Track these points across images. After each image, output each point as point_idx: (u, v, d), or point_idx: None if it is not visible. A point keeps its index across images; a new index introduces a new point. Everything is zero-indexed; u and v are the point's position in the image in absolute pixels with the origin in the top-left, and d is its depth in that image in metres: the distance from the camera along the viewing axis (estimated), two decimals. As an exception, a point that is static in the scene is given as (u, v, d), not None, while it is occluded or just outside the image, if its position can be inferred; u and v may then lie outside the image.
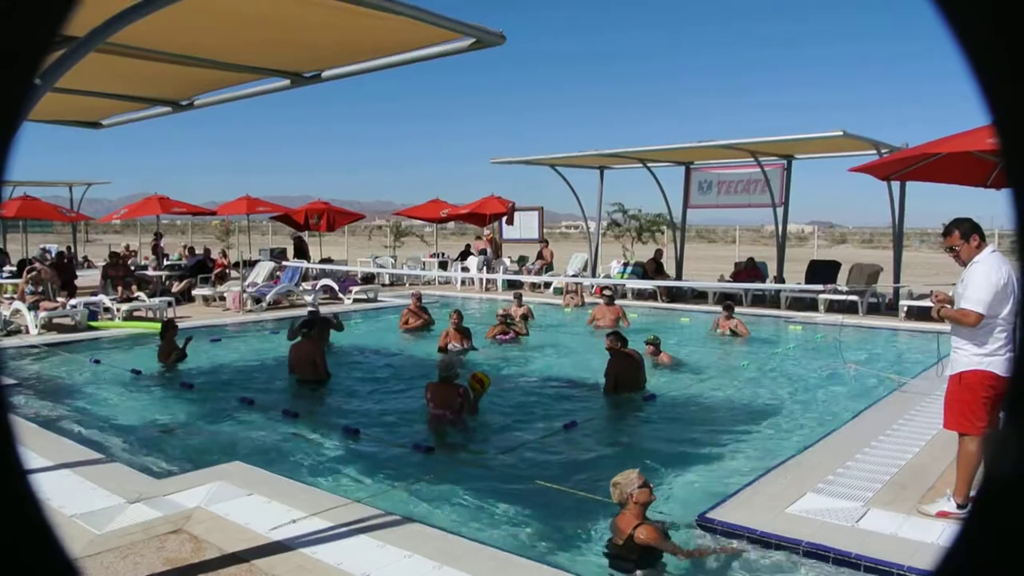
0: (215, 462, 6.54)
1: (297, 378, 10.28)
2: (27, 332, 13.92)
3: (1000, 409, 5.09)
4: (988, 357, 5.07)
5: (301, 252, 25.13)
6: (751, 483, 5.92)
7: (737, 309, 16.97)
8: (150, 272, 21.52)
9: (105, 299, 15.96)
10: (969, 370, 5.14)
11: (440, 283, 24.03)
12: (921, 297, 15.71)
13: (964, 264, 5.22)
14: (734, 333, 14.01)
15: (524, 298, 16.28)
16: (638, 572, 4.60)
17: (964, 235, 5.17)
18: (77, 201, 29.23)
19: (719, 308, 14.91)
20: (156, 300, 16.64)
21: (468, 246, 26.38)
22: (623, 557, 4.65)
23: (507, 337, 13.31)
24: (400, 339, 14.24)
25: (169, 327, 11.67)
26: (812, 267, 18.90)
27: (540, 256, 23.84)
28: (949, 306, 5.34)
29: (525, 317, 14.70)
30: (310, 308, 12.84)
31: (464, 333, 12.47)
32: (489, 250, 24.34)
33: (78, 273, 20.47)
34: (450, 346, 12.13)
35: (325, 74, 6.41)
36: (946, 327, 5.62)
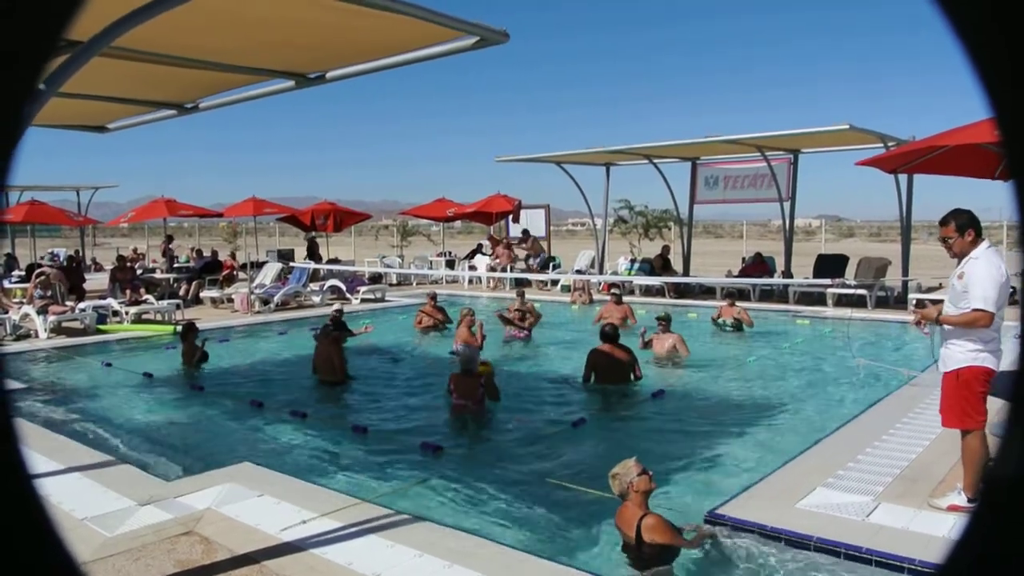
0: (225, 463, 6.55)
1: (319, 379, 10.39)
2: (36, 336, 13.98)
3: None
4: (983, 353, 5.08)
5: (311, 254, 25.10)
6: (761, 479, 5.91)
7: (745, 304, 16.94)
8: (158, 275, 21.58)
9: (113, 302, 16.02)
10: (966, 366, 5.13)
11: (448, 282, 24.04)
12: (930, 290, 15.67)
13: (956, 256, 5.21)
14: (737, 324, 13.96)
15: (528, 295, 16.25)
16: (651, 569, 4.59)
17: (959, 228, 5.15)
18: (84, 205, 29.35)
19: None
20: (164, 303, 16.69)
21: (480, 245, 26.32)
22: (636, 555, 4.64)
23: (522, 335, 13.35)
24: (411, 338, 14.22)
25: (190, 329, 11.72)
26: (820, 261, 18.86)
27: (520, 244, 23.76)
28: (930, 307, 5.39)
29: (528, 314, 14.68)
30: (335, 310, 12.75)
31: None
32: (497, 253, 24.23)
33: (87, 276, 20.54)
34: (458, 348, 12.05)
35: (330, 75, 6.40)
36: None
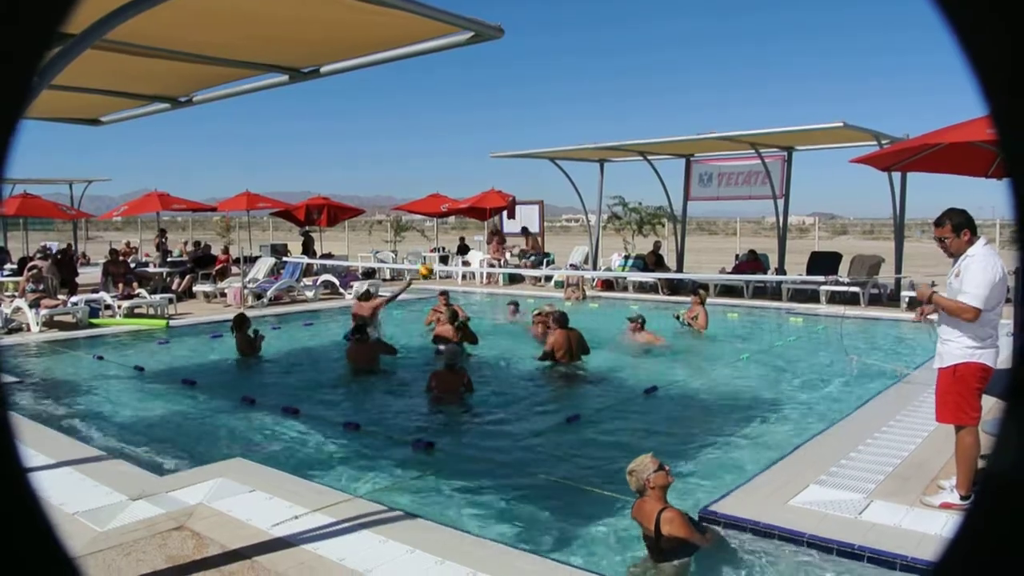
0: (217, 459, 6.54)
1: (354, 368, 10.68)
2: (28, 330, 13.93)
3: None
4: (980, 349, 5.11)
5: (307, 249, 25.01)
6: (754, 476, 5.92)
7: (738, 301, 16.95)
8: (151, 269, 21.51)
9: (106, 296, 15.96)
10: (963, 362, 5.16)
11: (441, 277, 24.03)
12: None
13: (951, 255, 5.25)
14: (693, 322, 13.75)
15: (521, 291, 16.24)
16: (671, 561, 4.59)
17: (955, 228, 5.17)
18: (77, 198, 29.23)
19: (721, 300, 14.83)
20: (157, 297, 16.64)
21: (462, 238, 26.34)
22: (655, 548, 4.62)
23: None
24: (408, 334, 14.11)
25: (243, 320, 11.80)
26: (813, 258, 18.88)
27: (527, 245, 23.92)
28: (924, 287, 5.44)
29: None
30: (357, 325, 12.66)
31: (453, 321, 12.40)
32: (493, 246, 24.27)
33: (79, 270, 20.46)
34: (442, 346, 11.93)
35: (323, 69, 6.38)
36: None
